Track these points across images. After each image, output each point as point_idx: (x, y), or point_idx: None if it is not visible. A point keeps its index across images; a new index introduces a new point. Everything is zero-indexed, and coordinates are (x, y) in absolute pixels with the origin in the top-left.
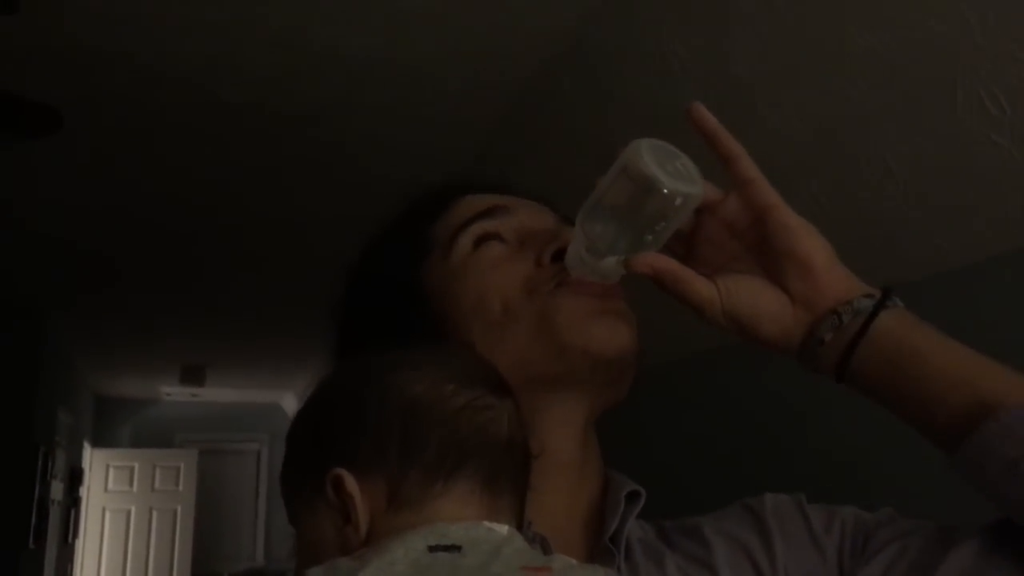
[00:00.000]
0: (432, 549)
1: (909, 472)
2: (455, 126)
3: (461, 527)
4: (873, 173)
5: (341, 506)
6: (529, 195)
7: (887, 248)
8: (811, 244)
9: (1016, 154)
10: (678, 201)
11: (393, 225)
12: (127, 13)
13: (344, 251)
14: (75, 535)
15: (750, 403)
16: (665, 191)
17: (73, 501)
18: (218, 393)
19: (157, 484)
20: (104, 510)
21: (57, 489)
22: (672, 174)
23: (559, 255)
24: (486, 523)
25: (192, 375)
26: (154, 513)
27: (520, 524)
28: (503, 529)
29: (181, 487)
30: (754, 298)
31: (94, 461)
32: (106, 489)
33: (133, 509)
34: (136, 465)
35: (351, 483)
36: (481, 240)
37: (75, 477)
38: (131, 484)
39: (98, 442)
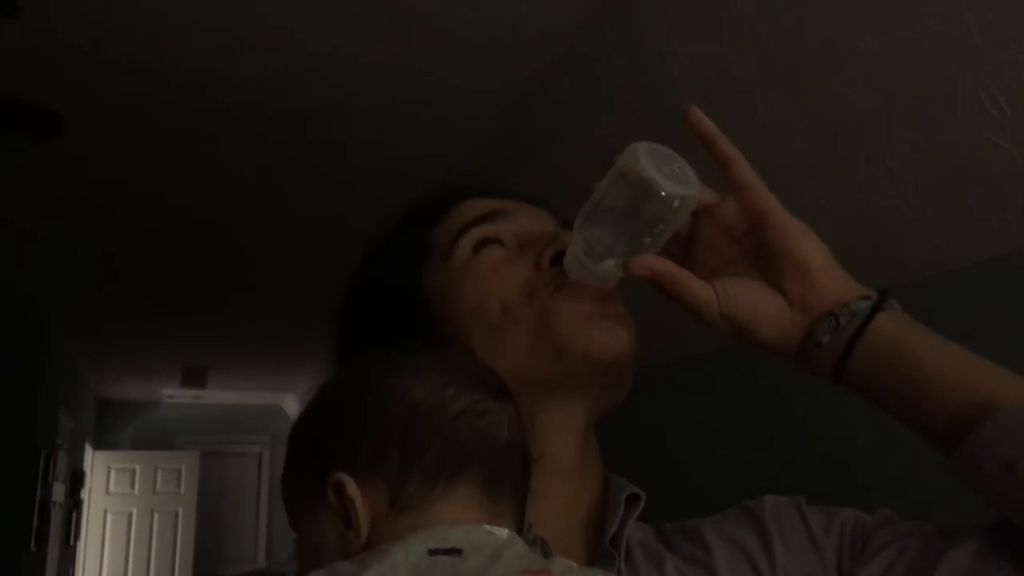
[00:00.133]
0: (432, 553)
1: (908, 473)
2: (455, 128)
3: (462, 531)
4: (873, 173)
5: (342, 510)
6: (528, 199)
7: (887, 248)
8: (808, 246)
9: (1016, 155)
10: (676, 204)
11: (393, 230)
12: (127, 16)
13: (344, 253)
14: (77, 537)
15: (749, 404)
16: (663, 194)
17: (75, 503)
18: (219, 395)
19: (159, 486)
20: (106, 512)
21: (59, 491)
22: (669, 177)
23: (558, 258)
24: (487, 527)
25: (193, 377)
26: (156, 515)
27: (520, 527)
28: (503, 532)
29: (183, 489)
30: (751, 301)
31: (96, 463)
32: (108, 491)
33: (135, 511)
34: (138, 467)
35: (352, 488)
36: (481, 244)
37: (77, 479)
38: (133, 486)
39: (100, 444)
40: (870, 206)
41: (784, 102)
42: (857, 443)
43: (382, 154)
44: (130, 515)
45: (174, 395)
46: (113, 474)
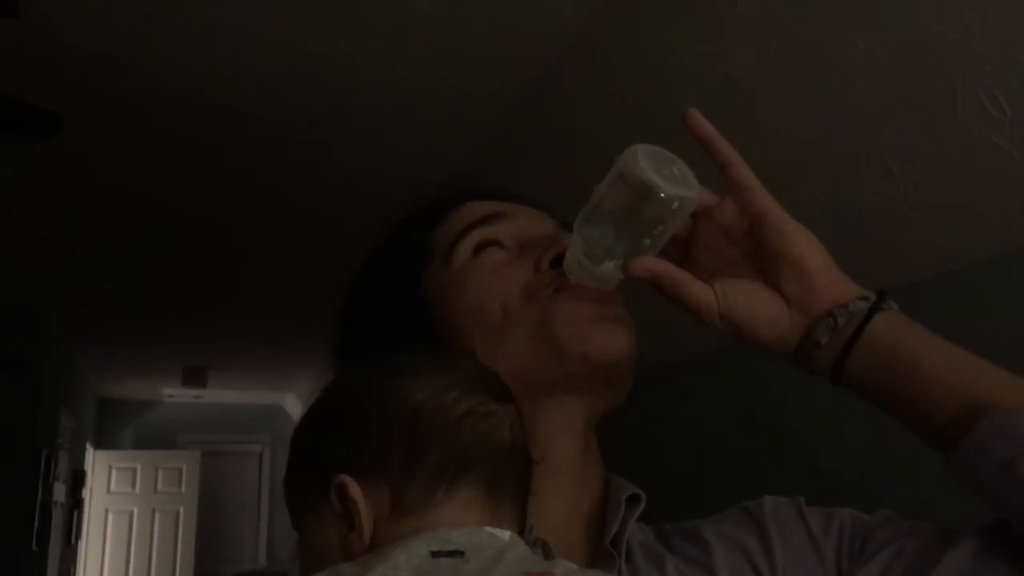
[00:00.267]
0: (435, 555)
1: (907, 473)
2: (455, 128)
3: (463, 532)
4: (873, 173)
5: (345, 513)
6: (528, 201)
7: (887, 248)
8: (806, 247)
9: (1016, 155)
10: (675, 205)
11: (394, 232)
12: (128, 17)
13: (344, 253)
14: (78, 537)
15: (749, 405)
16: (662, 195)
17: (76, 503)
18: (220, 395)
19: (160, 486)
20: (107, 512)
21: (60, 491)
22: (668, 178)
23: (558, 260)
24: (488, 528)
25: (194, 377)
26: (157, 514)
27: (522, 529)
28: (505, 534)
29: (183, 488)
30: (750, 302)
31: (97, 463)
32: (109, 491)
33: (136, 511)
34: (138, 467)
35: (355, 490)
36: (481, 246)
37: (78, 479)
38: (134, 486)
39: (101, 444)
40: (870, 206)
41: (784, 102)
42: (856, 443)
43: (382, 154)
44: (131, 515)
45: (175, 395)
46: (114, 474)
